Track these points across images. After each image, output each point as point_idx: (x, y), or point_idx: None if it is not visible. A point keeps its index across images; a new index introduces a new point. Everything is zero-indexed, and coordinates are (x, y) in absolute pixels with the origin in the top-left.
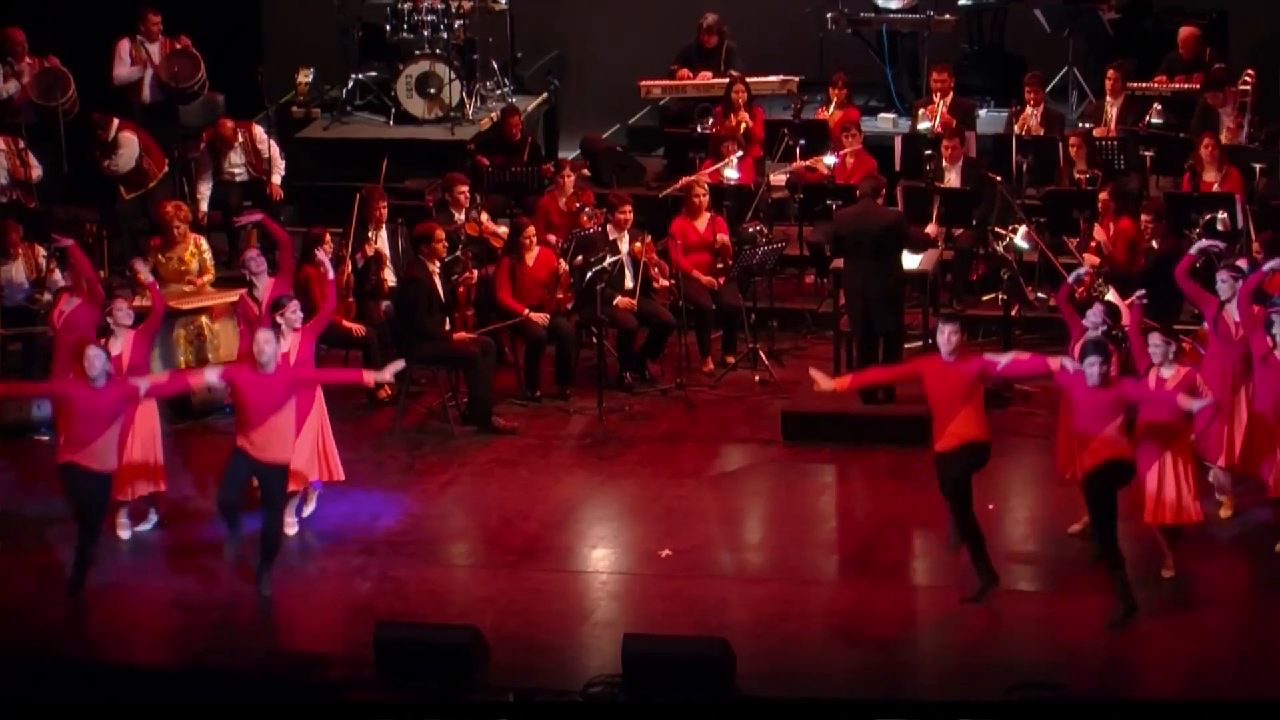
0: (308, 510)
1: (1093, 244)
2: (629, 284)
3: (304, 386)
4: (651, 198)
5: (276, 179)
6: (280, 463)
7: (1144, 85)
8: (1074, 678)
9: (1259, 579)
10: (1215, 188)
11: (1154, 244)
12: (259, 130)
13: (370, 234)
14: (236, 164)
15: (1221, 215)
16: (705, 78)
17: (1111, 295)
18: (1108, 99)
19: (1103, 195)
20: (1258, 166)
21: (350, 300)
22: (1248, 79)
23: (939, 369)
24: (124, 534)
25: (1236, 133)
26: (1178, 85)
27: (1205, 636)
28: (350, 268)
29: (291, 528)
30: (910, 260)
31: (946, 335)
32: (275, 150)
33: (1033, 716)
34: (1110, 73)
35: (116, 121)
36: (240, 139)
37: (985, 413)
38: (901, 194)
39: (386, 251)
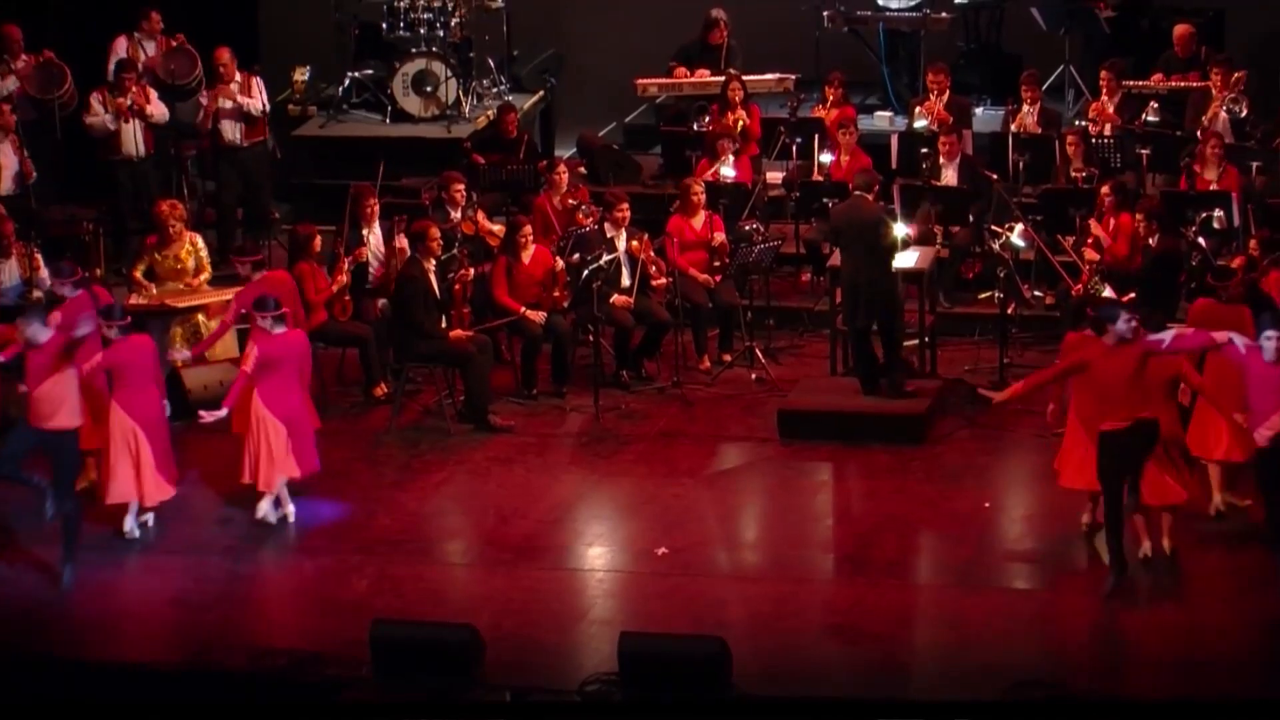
0: (289, 509)
1: (1090, 239)
2: (626, 282)
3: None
4: (648, 195)
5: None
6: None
7: (1140, 84)
8: (1071, 677)
9: (1258, 576)
10: (1213, 186)
11: (1150, 242)
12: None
13: (364, 232)
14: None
15: (1218, 213)
16: (703, 75)
17: (1108, 293)
18: (1104, 97)
19: (1105, 190)
20: (1255, 165)
21: (347, 299)
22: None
23: (1104, 353)
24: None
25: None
26: (1174, 83)
27: (1204, 634)
28: (346, 266)
29: (272, 517)
30: (907, 258)
31: (1126, 320)
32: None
33: (1030, 716)
34: (1104, 72)
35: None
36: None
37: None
38: (898, 191)
39: (380, 249)
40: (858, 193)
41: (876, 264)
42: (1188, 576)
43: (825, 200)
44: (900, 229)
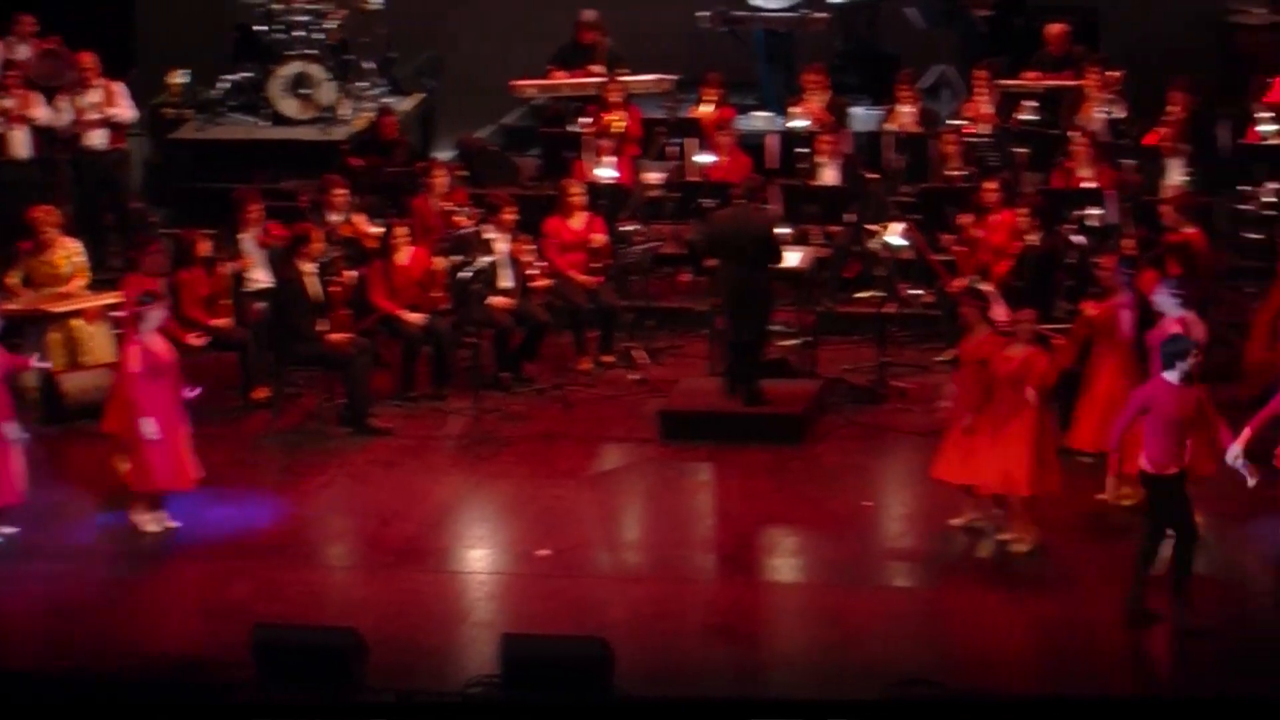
0: (167, 515)
1: (966, 236)
2: (506, 283)
3: None
4: (527, 197)
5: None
6: None
7: (1016, 82)
8: (952, 675)
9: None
10: (1088, 184)
11: (1031, 239)
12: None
13: (240, 235)
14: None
15: (1095, 211)
16: (585, 74)
17: (987, 285)
18: (979, 96)
19: (991, 186)
20: (1129, 163)
21: (227, 302)
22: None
23: (1170, 393)
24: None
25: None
26: (1050, 82)
27: (1084, 630)
28: (228, 269)
29: (152, 523)
30: (788, 257)
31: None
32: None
33: (911, 714)
34: (980, 71)
35: None
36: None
37: None
38: (778, 192)
39: (254, 254)
40: (744, 201)
41: (760, 272)
42: (1068, 572)
43: (703, 201)
44: (781, 229)
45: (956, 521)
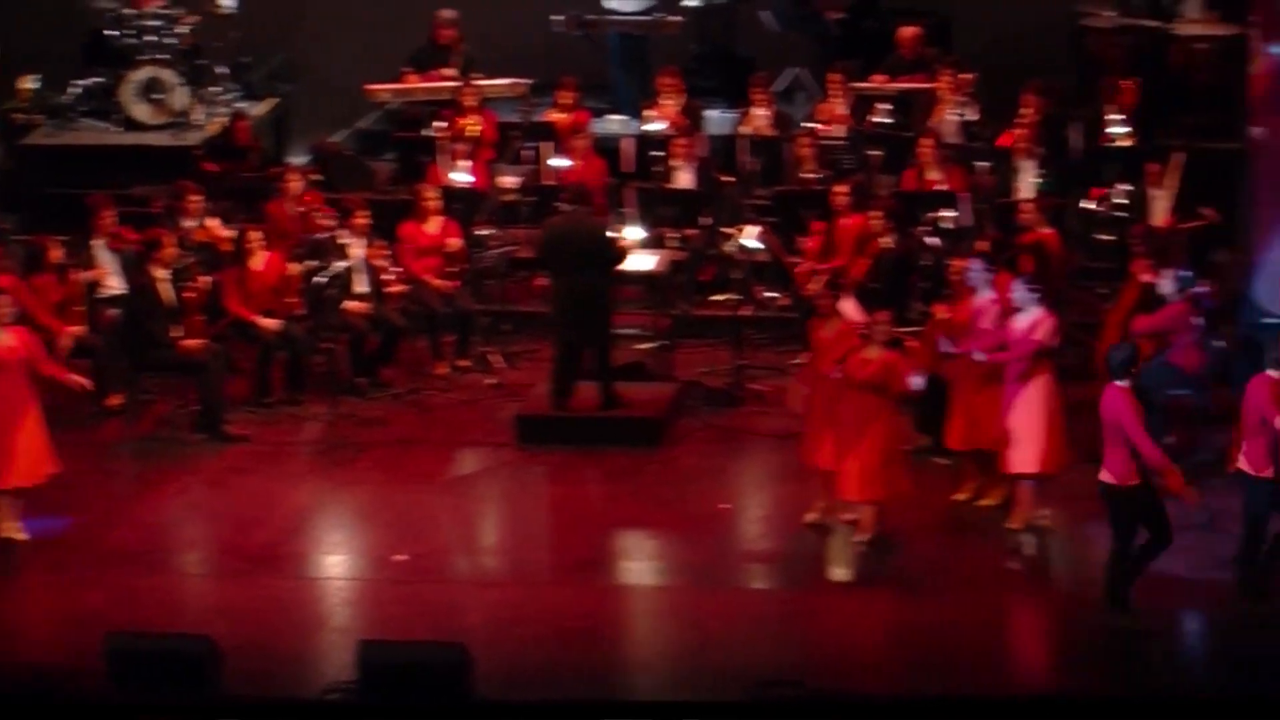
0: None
1: (819, 240)
2: (361, 288)
3: None
4: (382, 201)
5: None
6: None
7: (869, 85)
8: (812, 674)
9: (996, 572)
10: (938, 186)
11: (885, 241)
12: None
13: (93, 242)
14: None
15: (949, 213)
16: (439, 77)
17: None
18: (833, 99)
19: (841, 190)
20: (983, 165)
21: (79, 308)
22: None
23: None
24: None
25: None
26: (902, 85)
27: (945, 630)
28: (81, 277)
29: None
30: (644, 261)
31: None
32: None
33: (772, 715)
34: (834, 74)
35: None
36: None
37: None
38: (634, 195)
39: (106, 261)
40: (574, 208)
41: (595, 279)
42: (927, 573)
43: (559, 205)
44: (636, 232)
45: (810, 517)
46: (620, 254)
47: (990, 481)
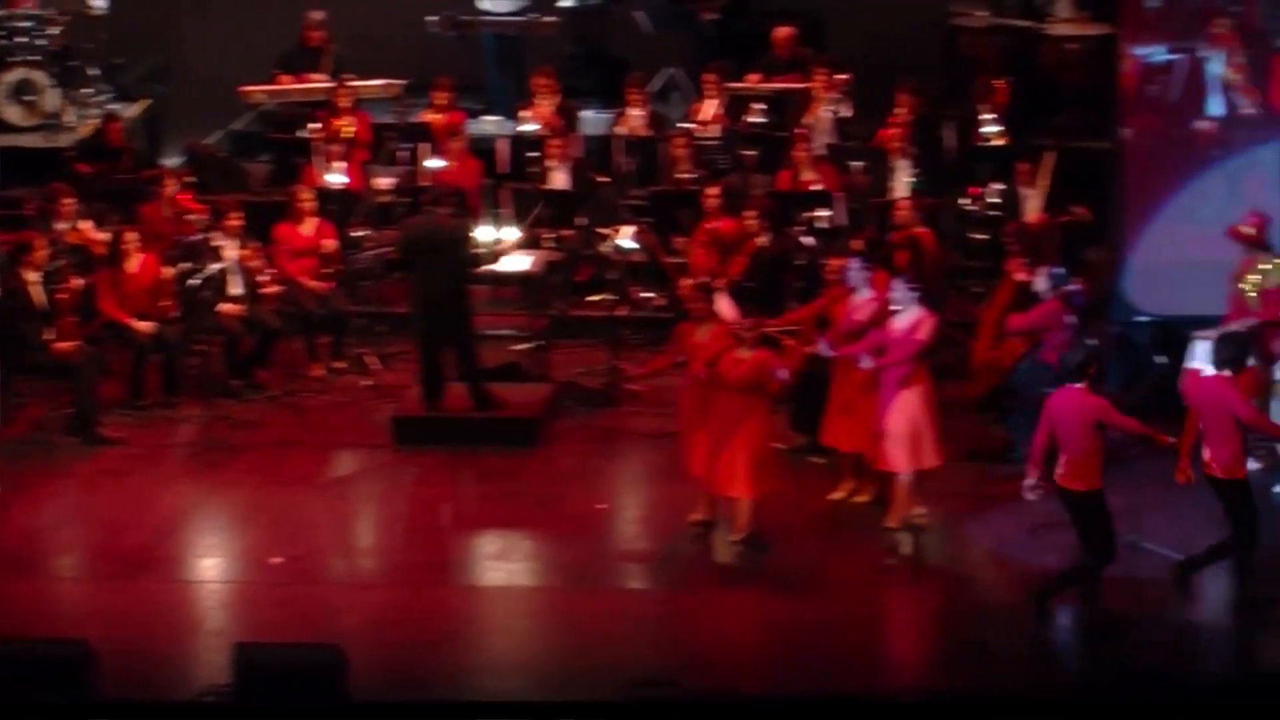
0: None
1: (702, 241)
2: (235, 290)
3: None
4: (257, 203)
5: None
6: None
7: (743, 85)
8: (688, 674)
9: (868, 571)
10: (813, 186)
11: (761, 241)
12: None
13: None
14: None
15: (824, 213)
16: (311, 80)
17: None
18: (708, 99)
19: (712, 193)
20: (857, 165)
21: None
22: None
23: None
24: None
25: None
26: (777, 85)
27: (828, 629)
28: None
29: None
30: (519, 261)
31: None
32: None
33: (649, 715)
34: (709, 74)
35: None
36: None
37: None
38: (509, 196)
39: None
40: (431, 208)
41: (452, 281)
42: (802, 571)
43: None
44: (512, 232)
45: (695, 516)
46: (477, 255)
47: (866, 480)
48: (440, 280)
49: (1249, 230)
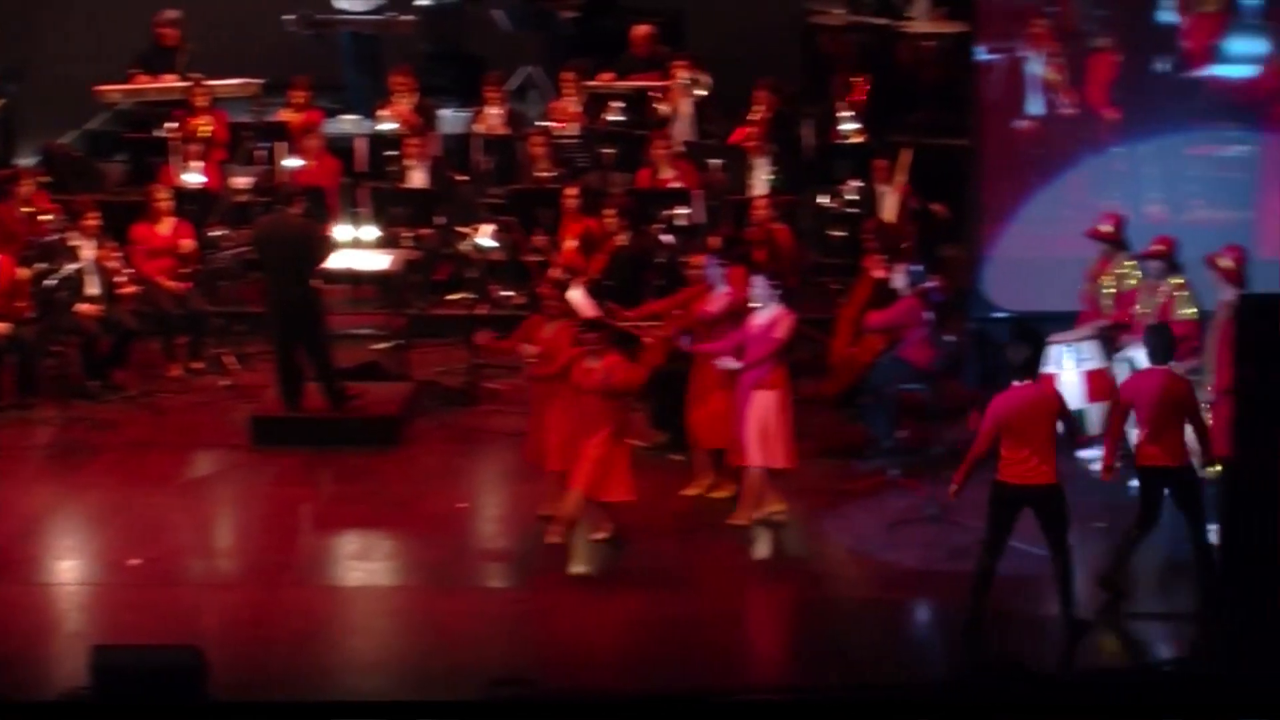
0: None
1: (564, 242)
2: (92, 291)
3: None
4: (113, 203)
5: None
6: None
7: (602, 84)
8: (546, 674)
9: (743, 566)
10: (672, 184)
11: (620, 239)
12: None
13: None
14: None
15: (683, 211)
16: (169, 80)
17: (576, 292)
18: (566, 97)
19: (570, 193)
20: (715, 163)
21: None
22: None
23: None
24: None
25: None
26: (635, 83)
27: (688, 626)
28: None
29: None
30: (377, 260)
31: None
32: None
33: (508, 714)
34: (567, 73)
35: None
36: None
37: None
38: (367, 195)
39: None
40: (279, 207)
41: (301, 280)
42: (662, 569)
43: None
44: (371, 231)
45: (545, 514)
46: (325, 255)
47: (725, 476)
48: (290, 280)
49: (1107, 229)
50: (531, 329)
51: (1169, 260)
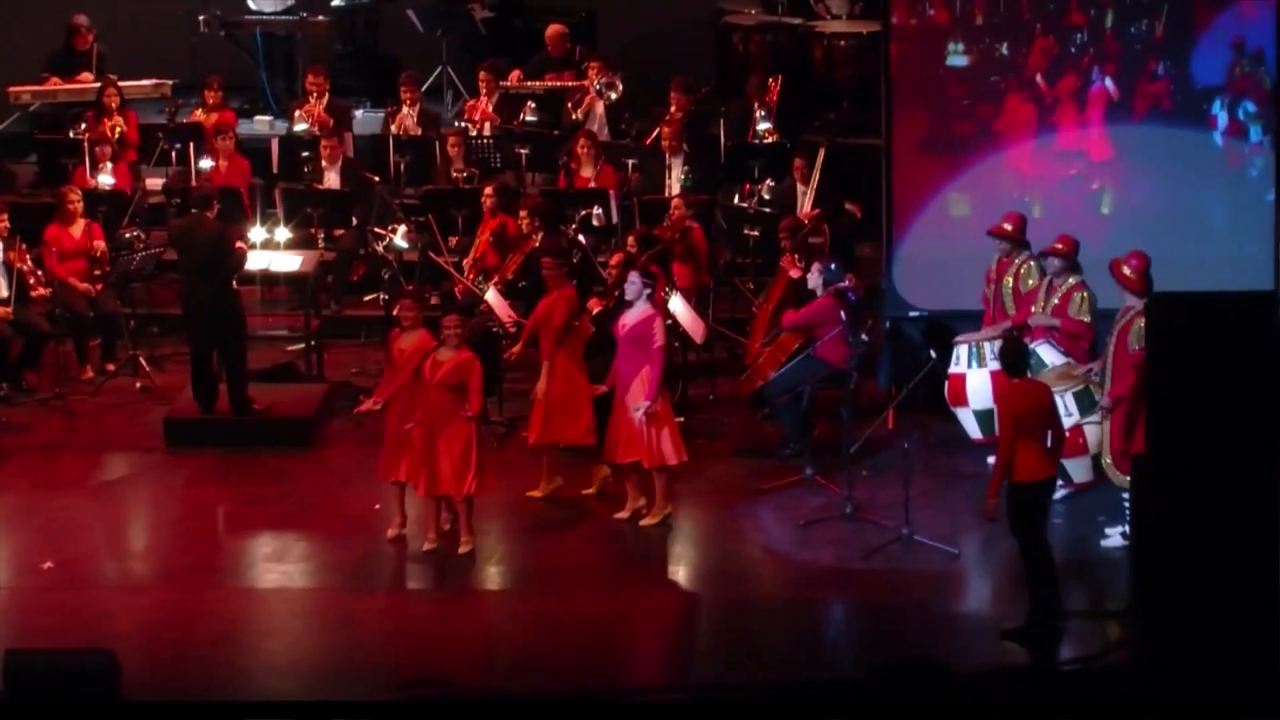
0: None
1: (479, 242)
2: (3, 292)
3: None
4: (25, 204)
5: None
6: None
7: (518, 84)
8: (461, 674)
9: (634, 567)
10: (591, 184)
11: (534, 240)
12: None
13: None
14: None
15: (597, 210)
16: (84, 80)
17: (491, 294)
18: (482, 97)
19: (487, 192)
20: (631, 162)
21: None
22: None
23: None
24: None
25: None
26: (550, 83)
27: (588, 628)
28: None
29: None
30: (290, 261)
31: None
32: None
33: (420, 715)
34: (482, 73)
35: None
36: None
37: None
38: (280, 196)
39: None
40: (194, 210)
41: (216, 284)
42: (564, 573)
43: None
44: (282, 233)
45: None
46: (239, 259)
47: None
48: (203, 283)
49: (1008, 228)
50: (391, 341)
51: (1068, 259)
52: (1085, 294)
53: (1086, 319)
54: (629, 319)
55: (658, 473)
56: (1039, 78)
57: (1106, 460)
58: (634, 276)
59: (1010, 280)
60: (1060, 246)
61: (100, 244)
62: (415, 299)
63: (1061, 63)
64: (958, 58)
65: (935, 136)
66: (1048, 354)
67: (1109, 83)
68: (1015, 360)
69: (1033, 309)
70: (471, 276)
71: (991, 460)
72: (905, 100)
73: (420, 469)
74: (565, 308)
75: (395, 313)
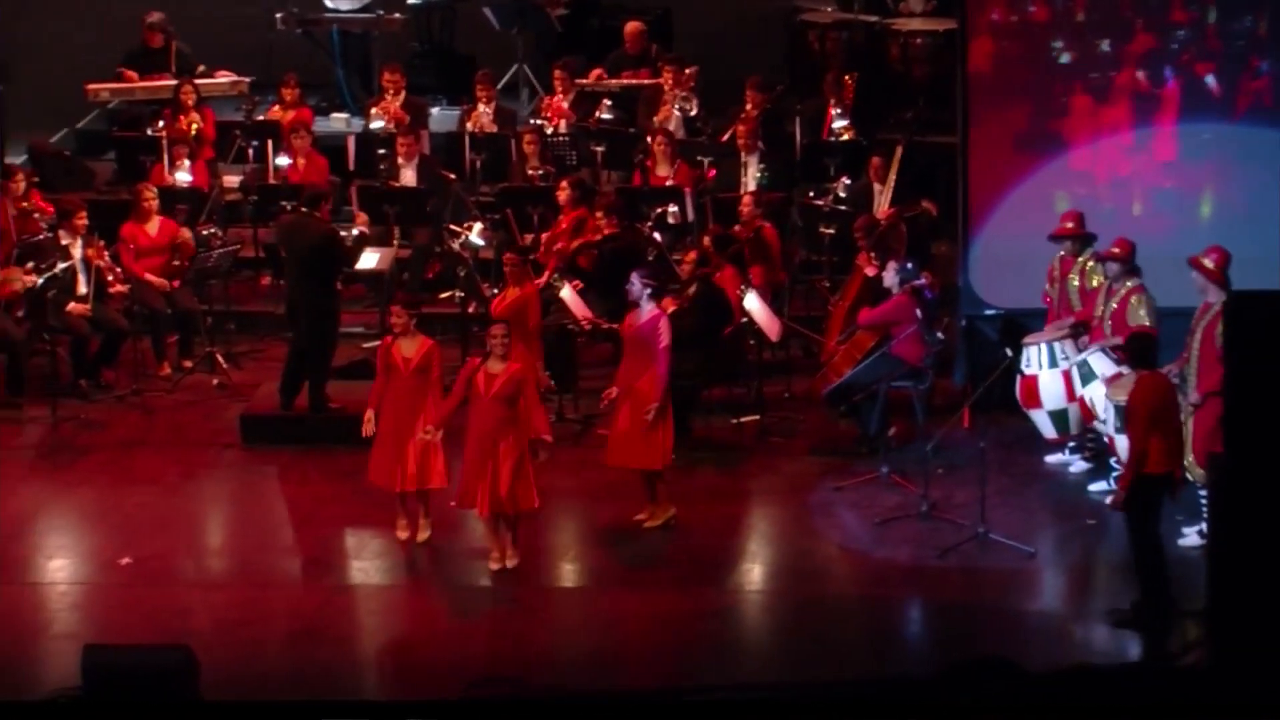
0: None
1: (555, 239)
2: (82, 290)
3: None
4: (102, 202)
5: None
6: None
7: (593, 81)
8: (532, 672)
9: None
10: (667, 182)
11: (610, 236)
12: None
13: None
14: None
15: (672, 208)
16: (162, 79)
17: (566, 291)
18: (558, 95)
19: (562, 186)
20: (706, 160)
21: None
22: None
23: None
24: None
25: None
26: (626, 81)
27: (659, 626)
28: None
29: None
30: (367, 259)
31: None
32: None
33: (491, 713)
34: (557, 70)
35: None
36: None
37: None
38: (356, 193)
39: None
40: (304, 210)
41: (317, 283)
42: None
43: (283, 203)
44: (361, 230)
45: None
46: (343, 259)
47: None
48: (307, 281)
49: (1070, 226)
50: (382, 349)
51: (1126, 263)
52: (1143, 296)
53: (1147, 322)
54: (639, 319)
55: (653, 477)
56: (1139, 74)
57: (1189, 458)
58: (634, 277)
59: (1075, 278)
60: (1118, 250)
61: (186, 233)
62: (406, 304)
63: (1162, 60)
64: (1054, 54)
65: (1014, 134)
66: (1099, 363)
67: (1210, 80)
68: (1143, 354)
69: (1095, 312)
70: (548, 273)
71: (1056, 459)
72: (985, 98)
73: (475, 484)
74: (533, 305)
75: (389, 320)
